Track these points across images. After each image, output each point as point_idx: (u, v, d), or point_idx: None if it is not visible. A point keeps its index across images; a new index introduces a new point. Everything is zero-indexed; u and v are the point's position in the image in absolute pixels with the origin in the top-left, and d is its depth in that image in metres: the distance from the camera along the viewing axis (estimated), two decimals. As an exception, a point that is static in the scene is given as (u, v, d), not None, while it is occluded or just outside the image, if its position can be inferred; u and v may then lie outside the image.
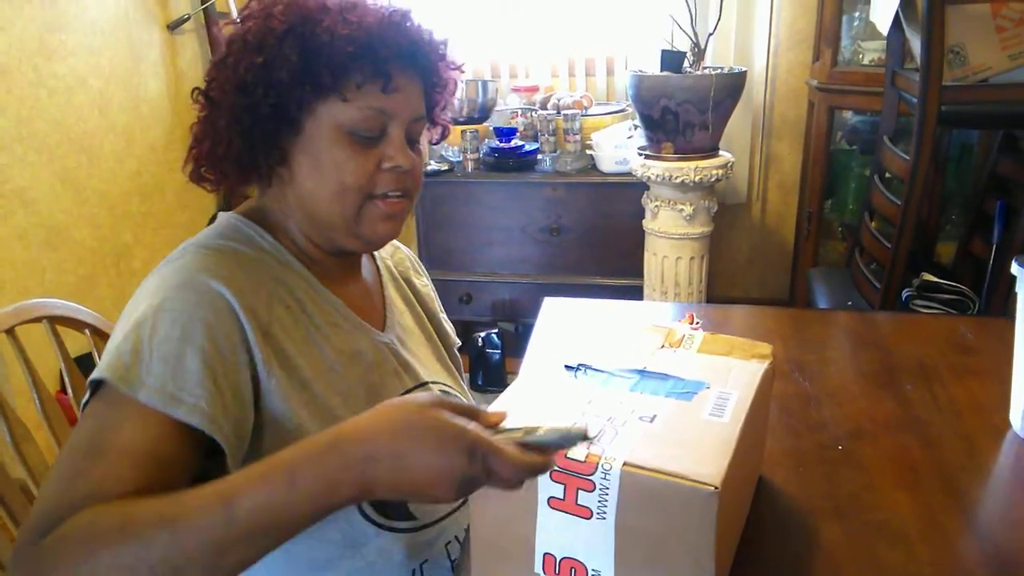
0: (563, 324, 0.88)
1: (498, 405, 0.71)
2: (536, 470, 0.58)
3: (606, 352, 0.83)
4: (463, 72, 0.92)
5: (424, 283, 1.10)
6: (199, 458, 0.71)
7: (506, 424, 0.62)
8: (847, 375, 1.20)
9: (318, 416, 0.80)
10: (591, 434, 0.64)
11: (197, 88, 0.82)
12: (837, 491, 0.90)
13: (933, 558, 0.79)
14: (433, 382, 0.97)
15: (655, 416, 0.70)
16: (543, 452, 0.59)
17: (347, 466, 0.56)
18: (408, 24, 0.82)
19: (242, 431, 0.74)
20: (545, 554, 0.68)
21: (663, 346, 0.86)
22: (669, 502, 0.62)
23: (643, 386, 0.76)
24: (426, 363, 0.99)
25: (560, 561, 0.68)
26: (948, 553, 0.80)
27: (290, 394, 0.78)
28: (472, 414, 0.60)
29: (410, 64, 0.83)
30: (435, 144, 0.96)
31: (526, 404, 0.73)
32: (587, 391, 0.75)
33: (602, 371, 0.79)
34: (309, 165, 0.81)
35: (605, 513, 0.65)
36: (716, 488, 0.61)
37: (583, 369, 0.79)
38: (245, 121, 0.78)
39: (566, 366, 0.80)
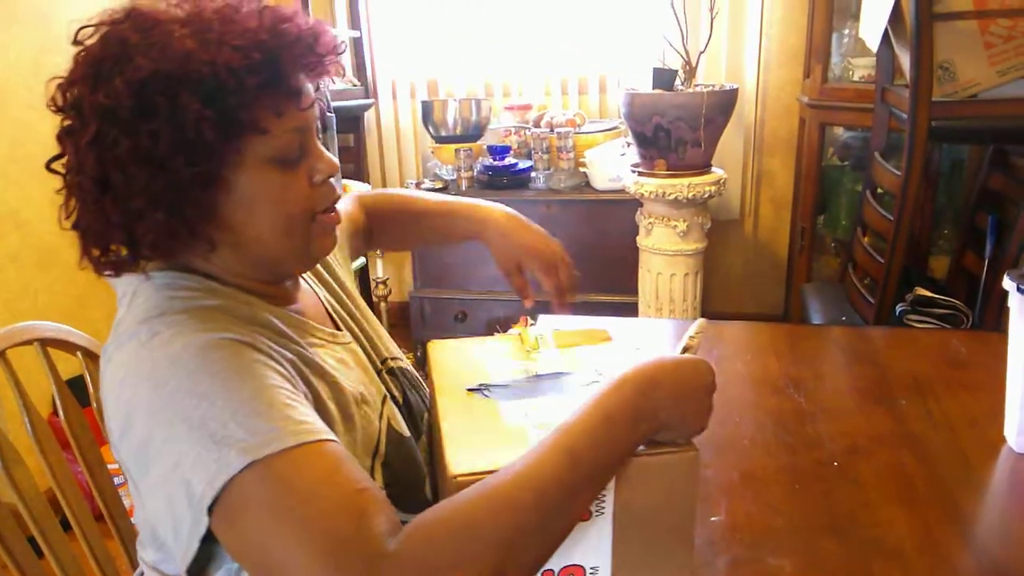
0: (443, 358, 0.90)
1: (449, 440, 0.71)
2: None
3: (485, 370, 0.84)
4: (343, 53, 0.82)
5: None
6: None
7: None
8: (842, 391, 1.20)
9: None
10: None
11: (72, 176, 0.70)
12: (833, 507, 0.90)
13: (930, 573, 0.79)
14: (393, 358, 0.97)
15: None
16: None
17: (647, 401, 0.66)
18: (298, 27, 0.73)
19: None
20: (544, 572, 0.68)
21: (527, 351, 0.89)
22: (660, 477, 0.66)
23: (551, 388, 0.79)
24: (372, 346, 0.95)
25: (559, 573, 0.68)
26: (945, 568, 0.80)
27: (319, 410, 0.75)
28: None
29: (305, 67, 0.75)
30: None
31: (475, 433, 0.72)
32: (511, 406, 0.76)
33: (503, 386, 0.80)
34: (246, 212, 0.73)
35: (603, 509, 0.67)
36: (697, 450, 0.67)
37: (485, 388, 0.80)
38: (166, 196, 0.68)
39: (468, 389, 0.80)
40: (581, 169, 2.82)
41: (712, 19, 2.46)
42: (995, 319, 1.74)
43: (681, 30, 2.32)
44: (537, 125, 2.96)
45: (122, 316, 0.74)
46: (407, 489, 0.81)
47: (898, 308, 1.90)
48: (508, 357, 0.88)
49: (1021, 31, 1.72)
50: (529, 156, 2.92)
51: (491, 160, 2.86)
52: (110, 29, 0.70)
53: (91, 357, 1.09)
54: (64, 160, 0.72)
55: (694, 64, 2.35)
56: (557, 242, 1.12)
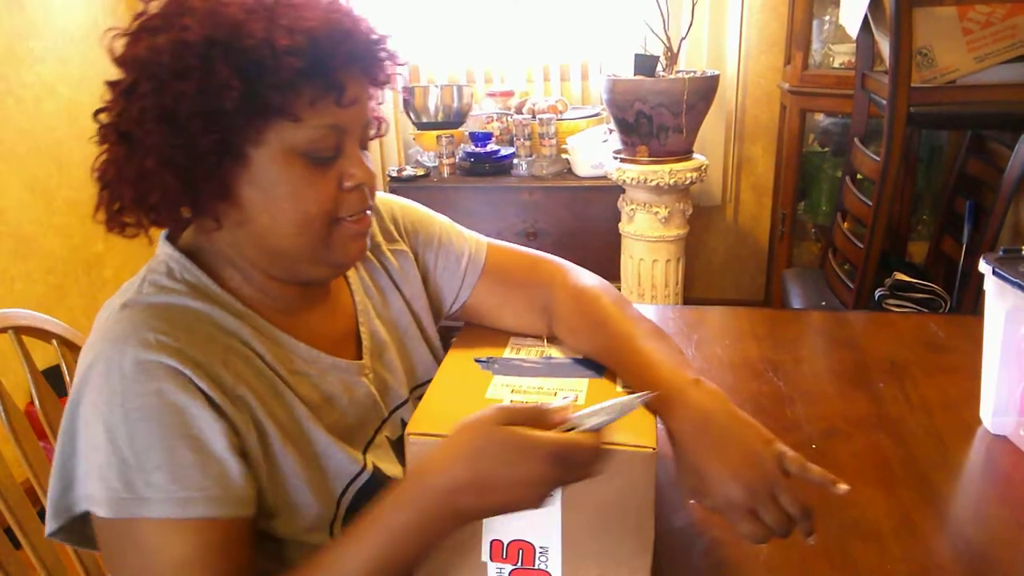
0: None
1: (426, 400, 0.76)
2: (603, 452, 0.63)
3: (504, 348, 0.89)
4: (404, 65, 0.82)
5: (400, 248, 0.96)
6: (250, 520, 0.70)
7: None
8: (821, 374, 1.21)
9: (274, 479, 0.73)
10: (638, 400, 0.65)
11: (104, 124, 0.71)
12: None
13: (906, 554, 0.80)
14: (412, 390, 0.91)
15: (576, 396, 0.76)
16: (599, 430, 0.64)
17: (436, 500, 0.61)
18: (354, 22, 0.72)
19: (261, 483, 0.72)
20: (492, 540, 0.70)
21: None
22: (612, 469, 0.66)
23: (554, 372, 0.82)
24: (405, 370, 0.91)
25: (508, 545, 0.70)
26: (920, 549, 0.81)
27: (259, 460, 0.72)
28: (537, 417, 0.63)
29: (358, 67, 0.74)
30: (371, 139, 0.83)
31: (453, 398, 0.77)
32: (505, 380, 0.80)
33: (510, 361, 0.84)
34: (262, 198, 0.71)
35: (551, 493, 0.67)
36: (654, 449, 0.67)
37: (493, 361, 0.84)
38: (180, 160, 0.67)
39: (476, 360, 0.84)
40: (563, 156, 2.82)
41: (693, 5, 2.46)
42: (972, 303, 1.76)
43: (663, 16, 2.32)
44: (519, 111, 2.96)
45: None
46: None
47: (877, 293, 1.91)
48: (531, 343, 0.92)
49: (999, 18, 1.73)
50: (511, 143, 2.91)
51: (473, 147, 2.85)
52: None
53: (68, 346, 1.08)
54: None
55: (675, 50, 2.35)
56: (774, 456, 0.74)
